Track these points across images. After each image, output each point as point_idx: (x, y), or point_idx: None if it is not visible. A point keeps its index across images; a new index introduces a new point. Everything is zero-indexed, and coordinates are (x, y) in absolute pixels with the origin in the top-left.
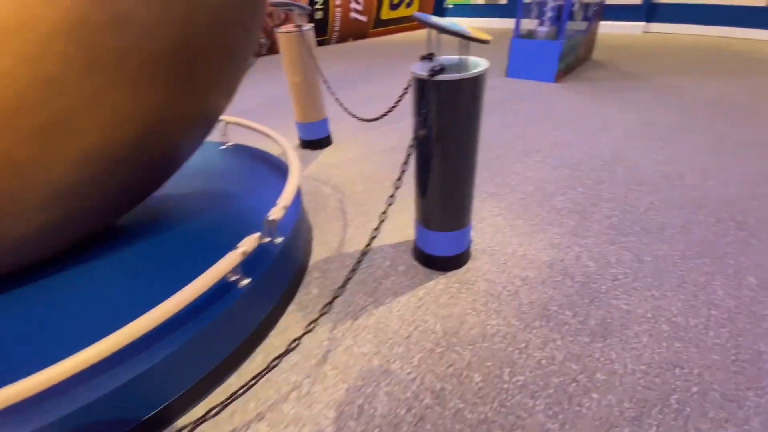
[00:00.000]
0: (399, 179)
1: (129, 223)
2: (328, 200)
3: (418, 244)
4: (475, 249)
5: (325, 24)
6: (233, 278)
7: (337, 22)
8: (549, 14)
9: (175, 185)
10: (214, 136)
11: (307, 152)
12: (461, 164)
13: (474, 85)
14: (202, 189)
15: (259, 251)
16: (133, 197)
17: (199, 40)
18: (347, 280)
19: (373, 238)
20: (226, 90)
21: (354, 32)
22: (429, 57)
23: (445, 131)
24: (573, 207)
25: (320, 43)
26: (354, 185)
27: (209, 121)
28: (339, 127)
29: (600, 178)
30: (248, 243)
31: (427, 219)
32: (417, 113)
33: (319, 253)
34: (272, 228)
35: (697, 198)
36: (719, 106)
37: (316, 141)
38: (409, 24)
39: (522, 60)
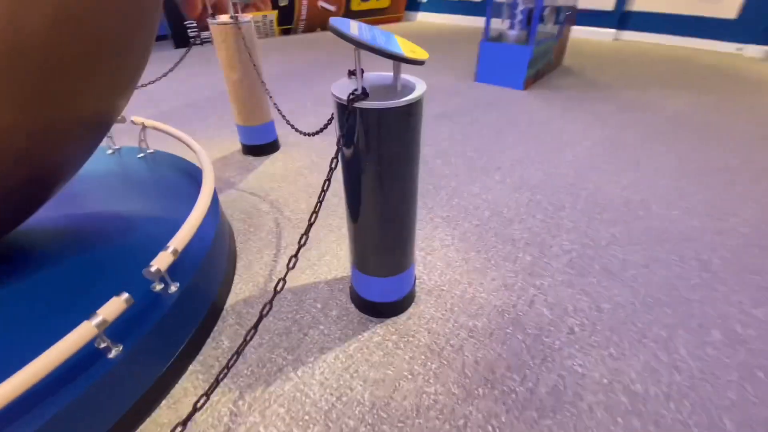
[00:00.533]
0: (311, 221)
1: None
2: (263, 221)
3: (354, 286)
4: (421, 288)
5: (291, 12)
6: (102, 345)
7: (304, 11)
8: (519, 17)
9: (71, 200)
10: (132, 141)
11: (250, 159)
12: (395, 204)
13: (405, 114)
14: (104, 208)
15: (147, 303)
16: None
17: (36, 40)
18: (245, 341)
19: (278, 291)
20: (110, 90)
21: (322, 22)
22: (355, 74)
23: (372, 167)
24: (531, 238)
25: (285, 32)
26: (297, 202)
27: (91, 128)
28: (290, 130)
29: (561, 203)
30: (109, 309)
31: (360, 262)
32: (339, 141)
33: (240, 290)
34: (163, 276)
35: (660, 231)
36: (684, 123)
37: (259, 146)
38: (381, 17)
39: (491, 64)
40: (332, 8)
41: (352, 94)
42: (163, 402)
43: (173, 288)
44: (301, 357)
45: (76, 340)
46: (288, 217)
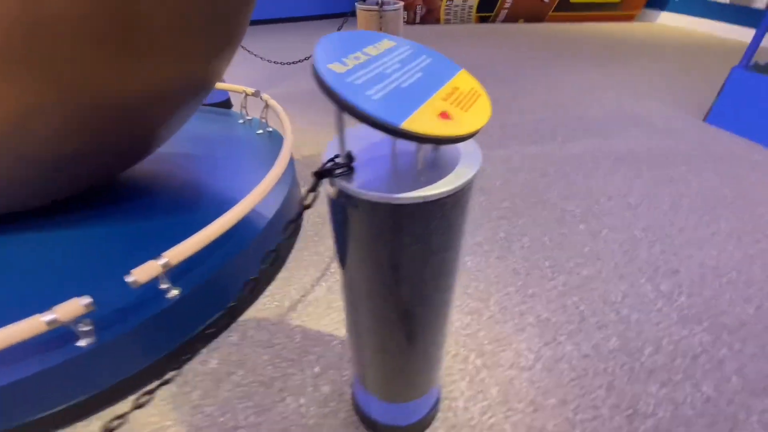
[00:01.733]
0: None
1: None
2: (329, 234)
3: (353, 387)
4: (445, 416)
5: None
6: (84, 329)
7: None
8: None
9: (167, 158)
10: (256, 115)
11: None
12: (405, 327)
13: (407, 217)
14: (189, 175)
15: (142, 300)
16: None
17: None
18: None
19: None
20: (186, 59)
21: (528, 13)
22: None
23: (363, 273)
24: (670, 422)
25: (483, 20)
26: None
27: (176, 93)
28: None
29: (765, 380)
30: (64, 310)
31: (359, 371)
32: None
33: (263, 306)
34: (161, 278)
35: None
36: None
37: None
38: (604, 13)
39: (739, 103)
40: None
41: (332, 160)
42: (131, 398)
43: (174, 292)
44: (261, 428)
45: (23, 330)
46: None
